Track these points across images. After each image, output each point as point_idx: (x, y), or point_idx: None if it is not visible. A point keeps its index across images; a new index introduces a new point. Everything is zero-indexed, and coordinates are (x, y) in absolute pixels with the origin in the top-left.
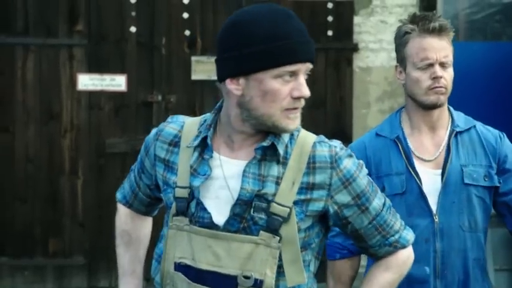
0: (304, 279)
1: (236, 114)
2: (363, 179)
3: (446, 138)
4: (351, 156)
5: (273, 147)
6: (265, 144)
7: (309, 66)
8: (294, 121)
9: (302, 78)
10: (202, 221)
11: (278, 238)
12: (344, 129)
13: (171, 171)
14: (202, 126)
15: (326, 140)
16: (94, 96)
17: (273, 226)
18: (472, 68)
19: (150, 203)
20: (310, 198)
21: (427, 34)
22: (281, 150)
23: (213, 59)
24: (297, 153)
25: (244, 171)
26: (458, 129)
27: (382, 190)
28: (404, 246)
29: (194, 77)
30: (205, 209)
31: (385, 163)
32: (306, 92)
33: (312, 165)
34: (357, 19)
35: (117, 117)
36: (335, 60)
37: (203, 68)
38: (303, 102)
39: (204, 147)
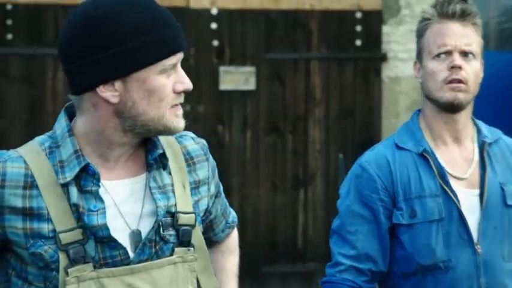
0: (216, 283)
1: (114, 126)
2: (215, 164)
3: (477, 152)
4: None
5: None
6: (160, 151)
7: (182, 55)
8: (181, 119)
9: (181, 69)
10: (112, 260)
11: (192, 249)
12: (373, 139)
13: (38, 220)
14: (55, 154)
15: (181, 133)
16: None
17: (185, 238)
18: (502, 79)
19: None
20: (200, 197)
21: (447, 19)
22: (168, 154)
23: (242, 69)
24: (171, 154)
25: (150, 187)
26: (488, 141)
27: (412, 215)
28: (236, 224)
29: (222, 87)
30: (115, 246)
31: (414, 183)
32: (190, 84)
33: (191, 162)
34: (385, 28)
35: None
36: (363, 70)
37: (231, 78)
38: (183, 97)
39: (78, 178)
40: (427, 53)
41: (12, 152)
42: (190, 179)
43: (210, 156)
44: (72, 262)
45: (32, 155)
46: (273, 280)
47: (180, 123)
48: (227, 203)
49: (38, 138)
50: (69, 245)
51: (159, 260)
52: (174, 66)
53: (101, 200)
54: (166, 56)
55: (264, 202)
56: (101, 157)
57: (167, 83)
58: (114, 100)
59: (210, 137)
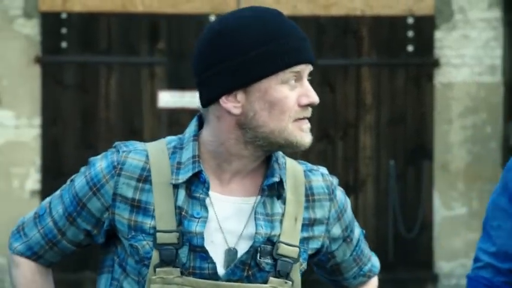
0: None
1: (237, 138)
2: (349, 208)
3: None
4: (337, 183)
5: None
6: (275, 179)
7: (310, 68)
8: (308, 133)
9: (307, 82)
10: (200, 272)
11: (290, 283)
12: (425, 146)
13: (143, 214)
14: (176, 155)
15: (313, 166)
16: (174, 113)
17: (284, 270)
18: None
19: (73, 252)
20: (312, 235)
21: None
22: (285, 185)
23: None
24: (292, 185)
25: (256, 212)
26: None
27: None
28: (375, 274)
29: None
30: (206, 258)
31: None
32: (315, 97)
33: (311, 198)
34: (438, 34)
35: None
36: (415, 76)
37: None
38: (310, 112)
39: (190, 183)
40: None
41: (140, 145)
42: (305, 214)
43: (339, 197)
44: (162, 263)
45: (156, 151)
46: (322, 287)
47: (305, 138)
48: (366, 251)
49: (168, 138)
50: (163, 246)
51: (250, 284)
52: (298, 76)
53: (206, 209)
54: (287, 66)
55: None
56: (218, 168)
57: (290, 94)
58: (236, 111)
59: None
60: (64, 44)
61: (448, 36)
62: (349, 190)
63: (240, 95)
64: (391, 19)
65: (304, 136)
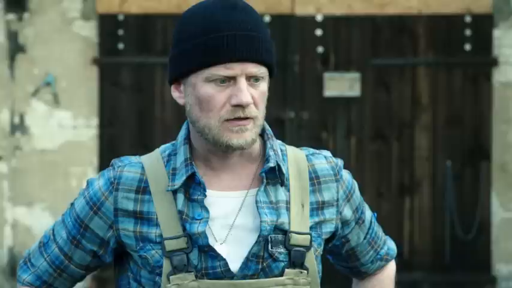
0: None
1: (195, 131)
2: (357, 189)
3: None
4: (342, 164)
5: (274, 168)
6: (271, 165)
7: (256, 67)
8: (238, 135)
9: (242, 82)
10: (213, 271)
11: (306, 272)
12: (482, 146)
13: (148, 224)
14: (171, 162)
15: (316, 150)
16: None
17: (298, 259)
18: None
19: (82, 276)
20: (324, 219)
21: None
22: (284, 169)
23: (346, 75)
24: (295, 171)
25: (257, 201)
26: None
27: None
28: (393, 258)
29: (327, 93)
30: (215, 257)
31: None
32: (244, 98)
33: (316, 181)
34: (496, 32)
35: None
36: (473, 75)
37: (336, 85)
38: (253, 113)
39: (187, 186)
40: None
41: (134, 158)
42: (312, 198)
43: (347, 177)
44: (175, 270)
45: (151, 161)
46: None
47: (234, 139)
48: (380, 234)
49: (162, 146)
50: (173, 253)
51: (266, 279)
52: (232, 77)
53: (206, 209)
54: (208, 64)
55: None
56: (207, 166)
57: (216, 93)
58: (180, 101)
59: (313, 144)
60: (121, 46)
61: (507, 34)
62: (404, 191)
63: (182, 86)
64: (448, 18)
65: (232, 137)
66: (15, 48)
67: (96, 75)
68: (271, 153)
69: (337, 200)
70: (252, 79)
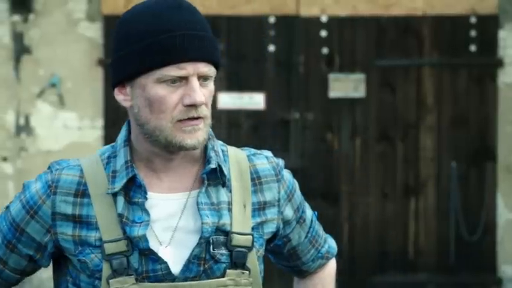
0: None
1: (140, 133)
2: (298, 189)
3: None
4: (283, 165)
5: (215, 169)
6: (212, 166)
7: (207, 67)
8: (191, 135)
9: (195, 82)
10: (154, 274)
11: (247, 272)
12: (488, 148)
13: (87, 228)
14: (111, 164)
15: (256, 151)
16: (233, 114)
17: (240, 260)
18: None
19: (18, 280)
20: (265, 219)
21: None
22: (226, 170)
23: (351, 76)
24: (236, 172)
25: (198, 203)
26: None
27: None
28: (333, 256)
29: (331, 94)
30: (156, 260)
31: None
32: (197, 98)
33: (257, 181)
34: (501, 33)
35: (255, 135)
36: (478, 76)
37: (340, 86)
38: (204, 112)
39: (128, 189)
40: None
41: (73, 161)
42: (254, 199)
43: (287, 177)
44: (114, 273)
45: (90, 164)
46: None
47: (187, 139)
48: (321, 232)
49: (101, 149)
50: (112, 256)
51: (208, 281)
52: (184, 77)
53: (147, 212)
54: (159, 64)
55: (373, 211)
56: (148, 168)
57: (168, 94)
58: (126, 104)
59: (318, 145)
60: None
61: None
62: (409, 192)
63: (128, 88)
64: (453, 19)
65: (185, 138)
66: (21, 49)
67: (101, 76)
68: (212, 154)
69: (279, 200)
70: (202, 79)
